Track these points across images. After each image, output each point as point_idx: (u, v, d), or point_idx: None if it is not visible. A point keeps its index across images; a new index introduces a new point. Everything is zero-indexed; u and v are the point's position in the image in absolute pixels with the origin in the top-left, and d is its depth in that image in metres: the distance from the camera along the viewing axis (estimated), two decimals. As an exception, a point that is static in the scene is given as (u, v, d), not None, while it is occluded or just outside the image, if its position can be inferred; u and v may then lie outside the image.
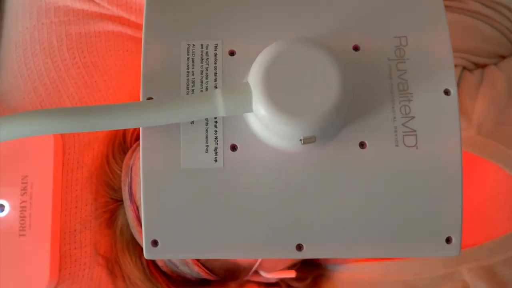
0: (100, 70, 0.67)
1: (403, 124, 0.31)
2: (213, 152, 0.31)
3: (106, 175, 0.63)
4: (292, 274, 0.64)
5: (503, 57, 0.77)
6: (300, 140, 0.28)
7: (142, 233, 0.58)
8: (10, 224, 0.60)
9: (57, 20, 0.67)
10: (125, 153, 0.63)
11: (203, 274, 0.60)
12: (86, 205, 0.64)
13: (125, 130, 0.64)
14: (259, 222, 0.31)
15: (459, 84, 0.72)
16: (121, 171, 0.62)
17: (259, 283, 0.72)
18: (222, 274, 0.63)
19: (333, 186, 0.31)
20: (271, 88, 0.27)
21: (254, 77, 0.28)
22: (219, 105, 0.28)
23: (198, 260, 0.59)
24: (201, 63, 0.32)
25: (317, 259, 0.71)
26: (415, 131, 0.31)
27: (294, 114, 0.27)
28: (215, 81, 0.32)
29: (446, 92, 0.32)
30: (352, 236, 0.31)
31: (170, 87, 0.32)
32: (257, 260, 0.59)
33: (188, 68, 0.32)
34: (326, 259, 0.71)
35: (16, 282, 0.59)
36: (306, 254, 0.31)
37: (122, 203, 0.62)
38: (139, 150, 0.60)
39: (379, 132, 0.31)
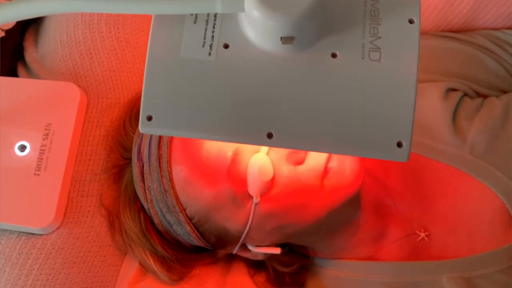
0: (131, 46, 0.75)
1: (370, 42, 0.37)
2: (208, 47, 0.38)
3: (120, 136, 0.69)
4: (277, 250, 0.67)
5: (504, 92, 0.82)
6: (281, 39, 0.34)
7: (143, 189, 0.64)
8: (28, 164, 0.66)
9: (100, -2, 0.75)
10: (141, 119, 0.69)
11: (194, 236, 0.65)
12: (99, 160, 0.70)
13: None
14: (238, 109, 0.36)
15: (457, 108, 0.76)
16: (134, 134, 0.68)
17: (246, 261, 0.75)
18: (212, 241, 0.67)
19: (305, 86, 0.36)
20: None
21: None
22: (218, 1, 0.35)
23: (190, 220, 0.63)
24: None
25: (307, 251, 0.74)
26: (380, 48, 0.37)
27: (277, 10, 0.33)
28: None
29: (411, 21, 0.38)
30: (316, 132, 0.36)
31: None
32: (245, 228, 0.62)
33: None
34: (315, 253, 0.74)
35: (23, 215, 0.64)
36: (274, 143, 0.36)
37: (131, 162, 0.67)
38: None
39: (349, 46, 0.37)
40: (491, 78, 0.81)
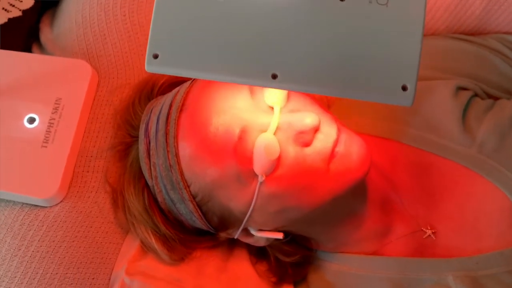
0: (144, 30, 0.76)
1: None
2: None
3: (129, 115, 0.70)
4: (279, 235, 0.66)
5: (515, 95, 0.82)
6: None
7: (148, 166, 0.64)
8: (36, 136, 0.66)
9: (117, -17, 0.77)
10: (149, 100, 0.70)
11: (197, 216, 0.64)
12: (107, 137, 0.71)
13: (153, 82, 0.71)
14: (244, 49, 0.37)
15: (467, 107, 0.76)
16: (142, 113, 0.69)
17: (248, 248, 0.74)
18: (214, 222, 0.66)
19: (311, 29, 0.37)
20: None
21: None
22: None
23: (194, 198, 0.63)
24: None
25: (310, 244, 0.74)
26: None
27: None
28: None
29: None
30: (320, 75, 0.36)
31: None
32: (248, 208, 0.62)
33: None
34: (318, 245, 0.73)
35: (28, 185, 0.65)
36: (278, 84, 0.36)
37: (137, 139, 0.67)
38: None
39: None
40: (503, 81, 0.81)
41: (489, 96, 0.80)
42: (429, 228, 0.71)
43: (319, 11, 0.37)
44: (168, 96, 0.65)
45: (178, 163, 0.61)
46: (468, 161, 0.72)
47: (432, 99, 0.76)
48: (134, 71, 0.75)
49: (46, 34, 0.79)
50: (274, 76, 0.36)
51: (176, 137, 0.61)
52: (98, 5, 0.75)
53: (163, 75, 0.71)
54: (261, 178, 0.59)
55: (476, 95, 0.79)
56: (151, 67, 0.38)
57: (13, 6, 0.75)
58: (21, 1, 0.76)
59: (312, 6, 0.37)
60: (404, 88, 0.37)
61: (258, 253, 0.75)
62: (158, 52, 0.37)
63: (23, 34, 0.77)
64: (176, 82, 0.70)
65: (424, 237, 0.71)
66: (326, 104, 0.87)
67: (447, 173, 0.73)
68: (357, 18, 0.37)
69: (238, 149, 0.59)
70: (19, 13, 0.76)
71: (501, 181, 0.70)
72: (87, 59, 0.73)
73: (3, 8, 0.74)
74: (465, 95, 0.76)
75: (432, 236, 0.71)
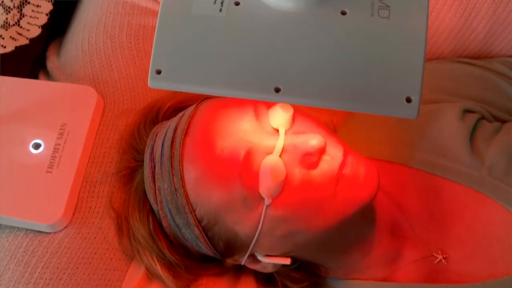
0: (149, 56, 0.76)
1: (379, 1, 0.37)
2: (220, 4, 0.39)
3: (134, 140, 0.69)
4: (287, 260, 0.65)
5: (523, 118, 0.81)
6: None
7: (153, 190, 0.63)
8: (41, 161, 0.66)
9: (124, 12, 0.78)
10: (155, 125, 0.70)
11: (202, 241, 0.63)
12: (112, 162, 0.70)
13: (159, 107, 0.71)
14: (247, 64, 0.37)
15: (474, 129, 0.75)
16: (148, 138, 0.68)
17: (256, 275, 0.73)
18: (220, 247, 0.65)
19: (314, 43, 0.37)
20: None
21: None
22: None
23: (199, 223, 0.62)
24: None
25: (319, 271, 0.72)
26: (389, 6, 0.37)
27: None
28: None
29: None
30: (323, 88, 0.36)
31: None
32: (255, 233, 0.61)
33: None
34: (327, 272, 0.72)
35: (32, 211, 0.64)
36: (281, 98, 0.36)
37: (143, 164, 0.67)
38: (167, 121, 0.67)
39: (358, 4, 0.38)
40: (510, 103, 0.81)
41: (497, 119, 0.79)
42: (440, 253, 0.70)
43: (321, 25, 0.37)
44: (173, 120, 0.65)
45: (183, 187, 0.60)
46: (478, 184, 0.71)
47: (439, 122, 0.76)
48: (139, 97, 0.75)
49: (52, 62, 0.80)
50: (277, 90, 0.36)
51: (181, 160, 0.61)
52: (104, 33, 0.76)
53: (168, 100, 0.71)
54: (267, 201, 0.58)
55: (483, 118, 0.78)
56: (154, 83, 0.38)
57: (21, 34, 0.76)
58: (29, 30, 0.77)
59: (314, 19, 0.37)
60: (408, 100, 0.37)
61: (266, 280, 0.73)
62: (161, 68, 0.38)
63: (29, 62, 0.78)
64: (181, 107, 0.70)
65: (435, 262, 0.69)
66: (332, 129, 0.86)
67: (457, 197, 0.72)
68: (359, 31, 0.37)
69: (243, 172, 0.58)
70: (26, 42, 0.77)
71: (512, 204, 0.69)
72: (93, 86, 0.73)
73: (10, 37, 0.75)
74: (472, 117, 0.76)
75: (443, 261, 0.69)
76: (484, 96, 0.80)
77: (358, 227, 0.66)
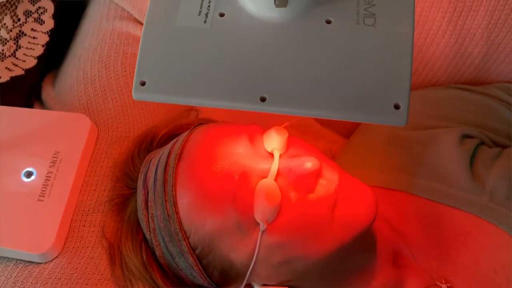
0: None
1: (365, 9, 0.37)
2: (204, 16, 0.38)
3: (128, 168, 0.68)
4: (285, 289, 0.63)
5: (523, 143, 0.80)
6: (274, 1, 0.35)
7: (146, 218, 0.62)
8: (33, 190, 0.65)
9: (118, 42, 0.78)
10: (149, 152, 0.69)
11: (197, 270, 0.61)
12: (104, 190, 0.69)
13: (153, 135, 0.71)
14: (232, 75, 0.36)
15: (474, 154, 0.74)
16: (141, 165, 0.68)
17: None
18: (215, 277, 0.63)
19: (299, 52, 0.36)
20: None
21: None
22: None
23: (193, 250, 0.60)
24: None
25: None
26: (374, 14, 0.37)
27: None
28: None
29: None
30: (310, 96, 0.35)
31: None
32: (251, 260, 0.59)
33: None
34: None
35: (22, 240, 0.63)
36: (267, 107, 0.35)
37: (136, 191, 0.66)
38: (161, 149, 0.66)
39: (343, 12, 0.38)
40: (509, 128, 0.80)
41: (496, 144, 0.78)
42: (443, 281, 0.67)
43: (306, 34, 0.37)
44: (167, 147, 0.64)
45: (177, 213, 0.59)
46: (480, 210, 0.70)
47: (438, 148, 0.75)
48: (134, 125, 0.74)
49: (47, 92, 0.80)
50: (263, 99, 0.36)
51: (174, 185, 0.59)
52: (99, 62, 0.76)
53: (163, 127, 0.71)
54: (262, 226, 0.57)
55: (482, 143, 0.77)
56: (138, 94, 0.37)
57: (16, 65, 0.76)
58: (24, 61, 0.77)
59: (300, 29, 0.37)
60: (396, 107, 0.36)
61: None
62: (145, 79, 0.37)
63: (24, 92, 0.78)
64: (176, 134, 0.70)
65: (439, 291, 0.67)
66: (330, 157, 0.85)
67: (459, 223, 0.70)
68: (344, 39, 0.37)
69: (237, 196, 0.57)
70: (21, 72, 0.77)
71: (514, 230, 0.67)
72: (87, 114, 0.73)
73: (6, 68, 0.76)
74: (471, 143, 0.75)
75: None
76: (482, 122, 0.80)
77: (358, 255, 0.64)
